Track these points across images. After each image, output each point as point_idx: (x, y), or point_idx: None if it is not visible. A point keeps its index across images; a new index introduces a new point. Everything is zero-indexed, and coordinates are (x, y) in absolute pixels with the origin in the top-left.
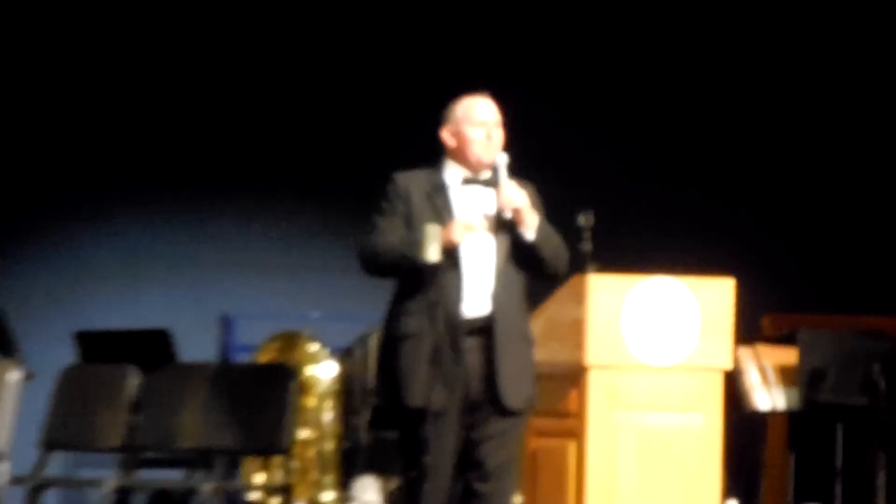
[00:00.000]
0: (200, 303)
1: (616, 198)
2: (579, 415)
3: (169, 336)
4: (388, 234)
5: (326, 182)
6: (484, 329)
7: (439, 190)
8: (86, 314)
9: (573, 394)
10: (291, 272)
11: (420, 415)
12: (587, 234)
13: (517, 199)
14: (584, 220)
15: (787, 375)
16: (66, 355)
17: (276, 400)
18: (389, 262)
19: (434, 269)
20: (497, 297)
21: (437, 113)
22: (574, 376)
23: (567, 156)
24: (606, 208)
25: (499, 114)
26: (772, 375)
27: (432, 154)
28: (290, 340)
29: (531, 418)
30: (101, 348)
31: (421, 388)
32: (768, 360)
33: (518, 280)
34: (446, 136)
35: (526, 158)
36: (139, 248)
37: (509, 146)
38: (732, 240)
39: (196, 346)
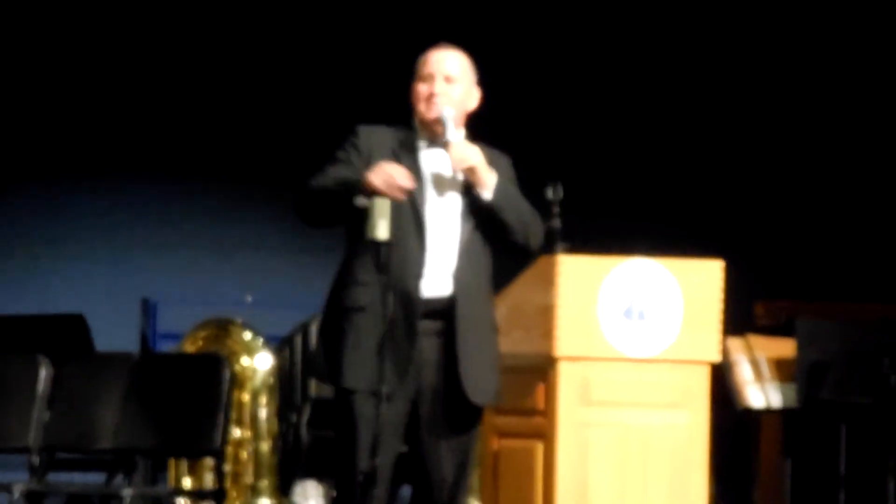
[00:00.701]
0: (118, 285)
1: (588, 169)
2: (548, 412)
3: (84, 323)
4: (335, 173)
5: (259, 153)
6: (444, 312)
7: (408, 150)
8: None
9: (541, 389)
10: (220, 251)
11: (362, 400)
12: (556, 210)
13: (469, 155)
14: (553, 193)
15: (783, 370)
16: None
17: (207, 394)
18: (321, 197)
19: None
20: (460, 277)
21: (382, 83)
22: (542, 369)
23: (533, 120)
24: (578, 181)
25: (456, 66)
26: (766, 370)
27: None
28: (221, 328)
29: (493, 416)
30: (6, 337)
31: (365, 370)
32: (762, 353)
33: (484, 258)
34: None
35: (487, 122)
36: (50, 225)
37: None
38: (721, 217)
39: (114, 333)
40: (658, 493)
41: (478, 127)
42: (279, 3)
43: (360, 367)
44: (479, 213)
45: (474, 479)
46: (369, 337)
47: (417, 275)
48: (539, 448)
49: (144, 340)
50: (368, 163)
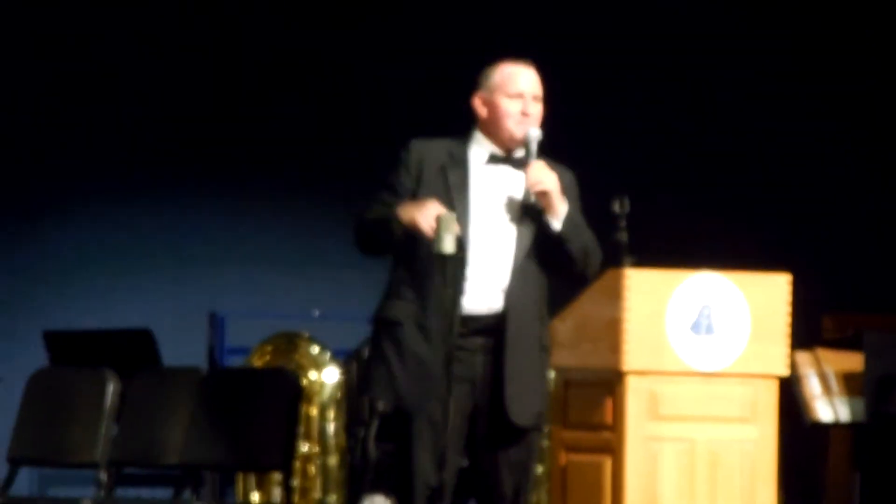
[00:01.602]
0: (186, 300)
1: (656, 182)
2: (616, 427)
3: (151, 337)
4: (383, 206)
5: (326, 166)
6: (493, 329)
7: (458, 164)
8: (57, 313)
9: (608, 403)
10: (287, 266)
11: (419, 419)
12: (622, 223)
13: (546, 180)
14: (619, 206)
15: (851, 383)
16: (34, 359)
17: (275, 409)
18: (367, 233)
19: (442, 256)
20: (511, 294)
21: (448, 94)
22: (609, 383)
23: (601, 133)
24: (644, 193)
25: (540, 86)
26: (834, 383)
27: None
28: (288, 342)
29: (561, 431)
30: (74, 351)
31: (392, 387)
32: (830, 366)
33: (539, 278)
34: (478, 104)
35: (553, 135)
36: (117, 240)
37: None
38: (788, 230)
39: (181, 347)
40: None
41: (545, 139)
42: (339, 29)
43: (384, 381)
44: (542, 241)
45: (542, 494)
46: (399, 352)
47: (459, 290)
48: (607, 463)
49: (212, 355)
50: (419, 175)
